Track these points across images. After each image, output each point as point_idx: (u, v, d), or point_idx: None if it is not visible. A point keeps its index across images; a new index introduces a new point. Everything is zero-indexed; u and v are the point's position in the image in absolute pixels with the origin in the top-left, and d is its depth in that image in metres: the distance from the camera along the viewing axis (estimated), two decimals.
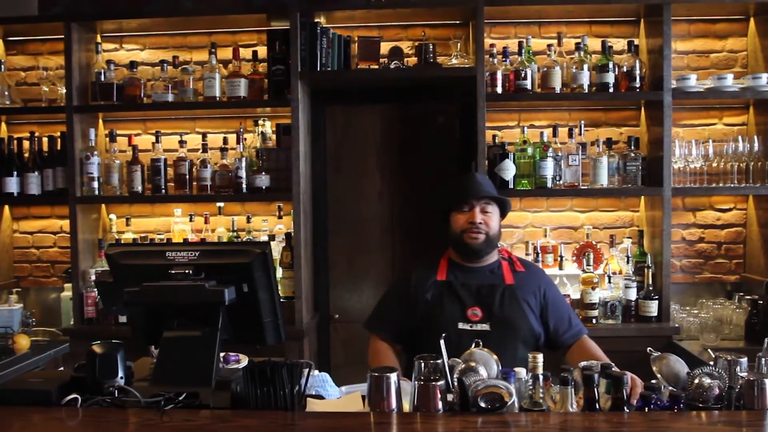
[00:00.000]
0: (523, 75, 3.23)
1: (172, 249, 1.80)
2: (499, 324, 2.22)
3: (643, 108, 3.46)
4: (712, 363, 1.76)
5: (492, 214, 2.34)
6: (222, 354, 2.04)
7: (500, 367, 1.75)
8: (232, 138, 3.45)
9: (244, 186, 3.29)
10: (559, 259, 3.39)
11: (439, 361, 1.65)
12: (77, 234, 3.33)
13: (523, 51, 3.30)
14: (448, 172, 3.47)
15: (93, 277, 3.32)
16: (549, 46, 3.30)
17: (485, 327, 2.21)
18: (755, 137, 3.22)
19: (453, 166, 3.48)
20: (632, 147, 3.30)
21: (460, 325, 2.22)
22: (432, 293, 2.32)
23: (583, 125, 3.37)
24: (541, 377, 1.65)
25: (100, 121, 3.56)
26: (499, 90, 3.25)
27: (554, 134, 3.34)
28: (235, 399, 1.69)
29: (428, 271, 2.38)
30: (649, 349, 1.86)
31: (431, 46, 3.32)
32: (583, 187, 3.29)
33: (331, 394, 1.90)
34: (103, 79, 3.35)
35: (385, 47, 3.40)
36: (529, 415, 1.58)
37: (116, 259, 1.86)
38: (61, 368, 2.96)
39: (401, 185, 3.61)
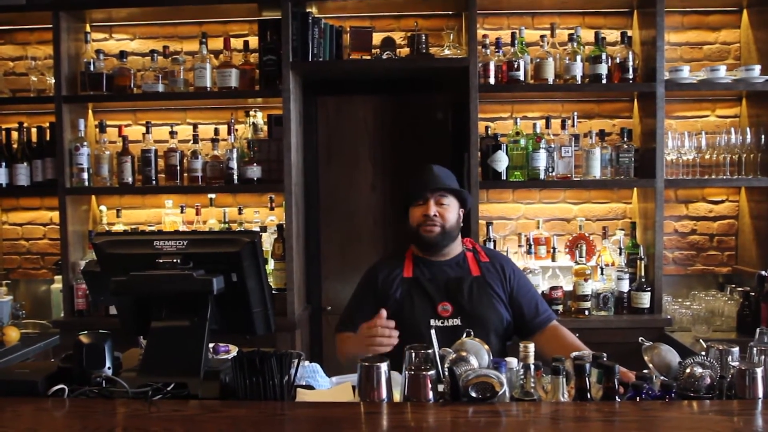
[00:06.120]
0: (516, 66, 3.22)
1: (160, 238, 1.77)
2: (470, 318, 2.20)
3: (636, 100, 3.45)
4: (703, 353, 1.75)
5: (449, 206, 2.28)
6: (211, 345, 2.02)
7: (491, 357, 1.74)
8: (223, 129, 3.43)
9: (235, 177, 3.27)
10: (551, 250, 3.38)
11: (429, 351, 1.64)
12: (67, 225, 3.30)
13: (516, 42, 3.29)
14: (440, 163, 3.44)
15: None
16: (542, 37, 3.29)
17: (456, 322, 2.20)
18: (748, 129, 3.23)
19: (445, 158, 3.46)
20: (625, 139, 3.29)
21: (432, 322, 2.19)
22: (400, 291, 2.28)
23: (576, 117, 3.36)
24: (532, 367, 1.64)
25: (90, 111, 3.53)
26: (492, 81, 3.23)
27: (547, 126, 3.33)
28: (224, 389, 1.67)
29: (394, 268, 2.34)
30: (641, 338, 1.85)
31: (424, 37, 3.29)
32: (575, 179, 3.28)
33: (321, 385, 1.88)
34: (92, 69, 3.31)
35: (377, 38, 3.38)
36: (521, 405, 1.57)
37: (103, 248, 1.83)
38: (52, 360, 2.93)
39: (393, 176, 3.59)
